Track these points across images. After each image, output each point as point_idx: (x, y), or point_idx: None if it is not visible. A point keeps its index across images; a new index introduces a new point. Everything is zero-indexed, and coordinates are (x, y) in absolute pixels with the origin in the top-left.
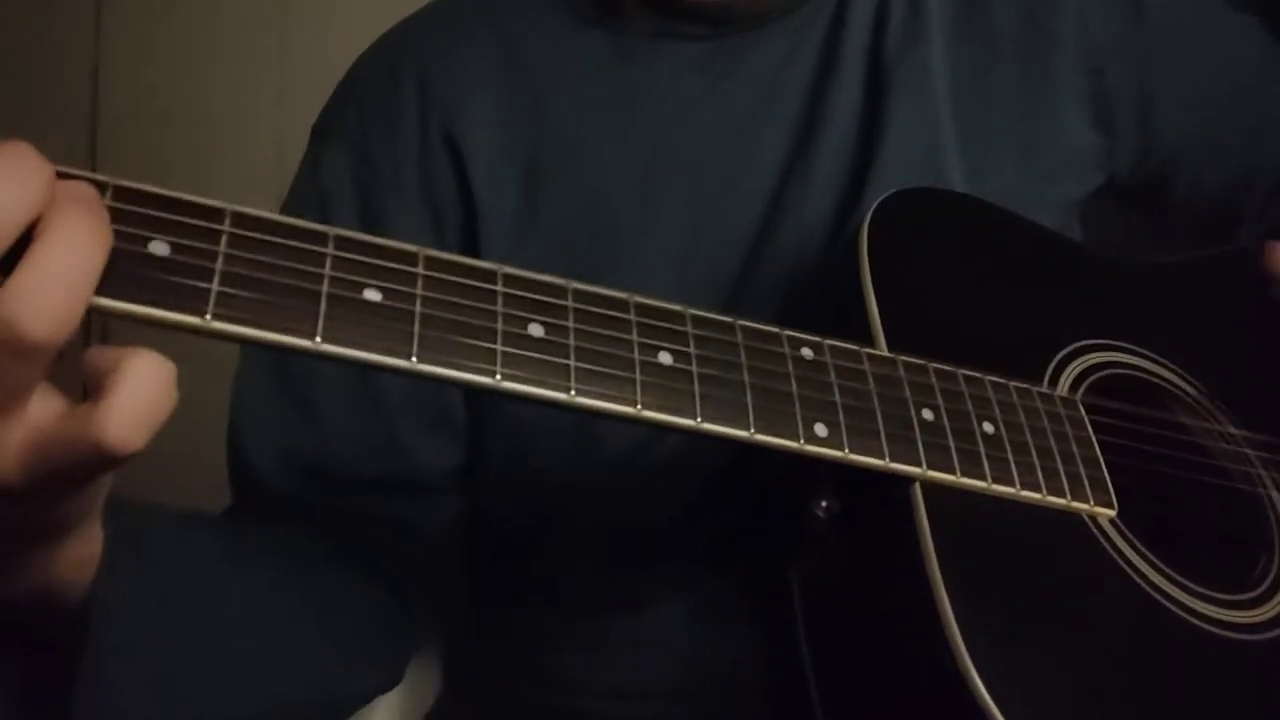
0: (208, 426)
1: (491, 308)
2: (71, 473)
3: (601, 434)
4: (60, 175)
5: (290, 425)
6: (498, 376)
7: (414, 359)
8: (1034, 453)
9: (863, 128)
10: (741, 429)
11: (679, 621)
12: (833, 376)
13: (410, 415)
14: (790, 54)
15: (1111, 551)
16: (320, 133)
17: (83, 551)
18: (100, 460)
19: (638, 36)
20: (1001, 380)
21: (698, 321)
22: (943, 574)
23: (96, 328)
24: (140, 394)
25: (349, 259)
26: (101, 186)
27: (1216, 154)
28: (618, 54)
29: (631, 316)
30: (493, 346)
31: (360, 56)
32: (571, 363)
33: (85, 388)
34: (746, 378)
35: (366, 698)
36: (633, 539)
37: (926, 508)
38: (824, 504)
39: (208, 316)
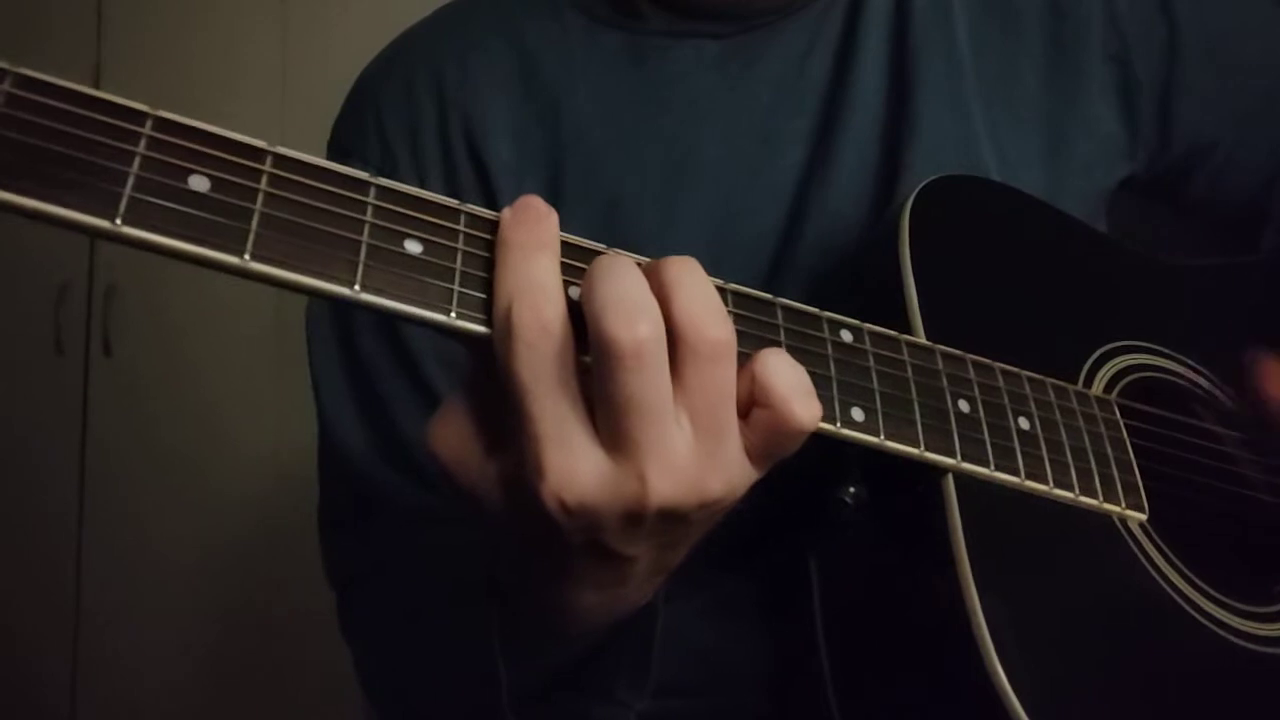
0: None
1: None
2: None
3: None
4: (95, 100)
5: (368, 419)
6: None
7: (453, 315)
8: (1068, 452)
9: (889, 119)
10: None
11: (696, 619)
12: (871, 362)
13: None
14: (809, 47)
15: (1140, 556)
16: (339, 150)
17: None
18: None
19: (654, 36)
20: (1038, 377)
21: (738, 299)
22: (972, 567)
23: (100, 290)
24: (794, 374)
25: (390, 209)
26: (141, 116)
27: (1240, 153)
28: (634, 55)
29: None
30: None
31: (371, 67)
32: None
33: None
34: None
35: None
36: None
37: (958, 500)
38: (852, 490)
39: (246, 256)
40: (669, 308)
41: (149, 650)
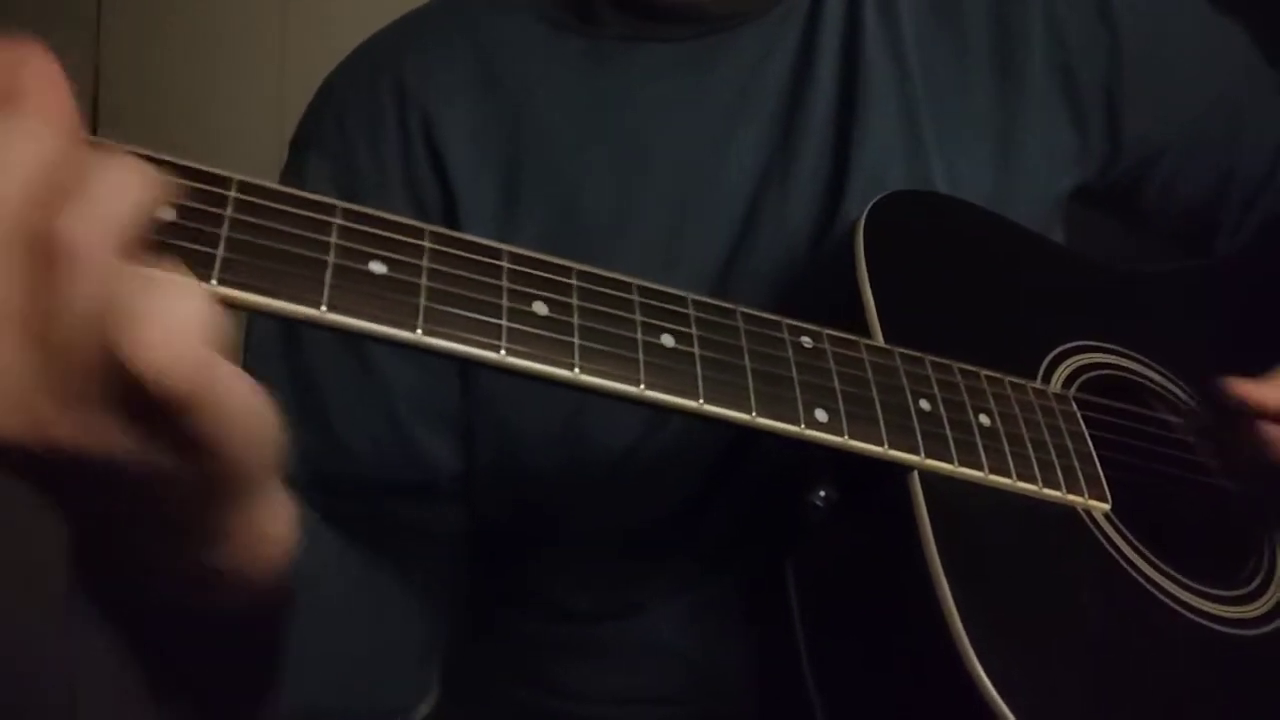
0: None
1: (497, 283)
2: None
3: (591, 435)
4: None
5: (302, 430)
6: (502, 351)
7: (419, 331)
8: (1029, 445)
9: (841, 127)
10: (743, 411)
11: (677, 625)
12: (831, 364)
13: (419, 417)
14: (766, 54)
15: (1106, 545)
16: (299, 144)
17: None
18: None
19: (613, 40)
20: (995, 374)
21: (699, 306)
22: (942, 562)
23: None
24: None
25: (355, 230)
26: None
27: (1189, 161)
28: (593, 58)
29: (635, 298)
30: (498, 322)
31: (336, 70)
32: (575, 341)
33: None
34: (748, 362)
35: (406, 713)
36: (629, 543)
37: (925, 497)
38: (822, 493)
39: (213, 281)
40: None
41: None
